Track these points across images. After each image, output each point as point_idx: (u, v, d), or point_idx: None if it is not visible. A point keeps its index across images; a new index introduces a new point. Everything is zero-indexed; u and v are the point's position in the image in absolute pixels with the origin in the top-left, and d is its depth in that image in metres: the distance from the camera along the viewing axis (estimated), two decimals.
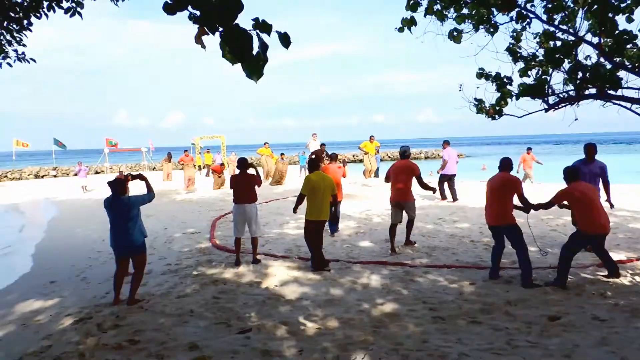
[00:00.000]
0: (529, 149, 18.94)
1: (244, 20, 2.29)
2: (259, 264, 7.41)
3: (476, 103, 5.56)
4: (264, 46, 2.37)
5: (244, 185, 7.48)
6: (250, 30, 2.32)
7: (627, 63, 4.74)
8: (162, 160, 26.52)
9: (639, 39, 4.48)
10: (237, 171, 7.70)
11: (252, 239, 7.61)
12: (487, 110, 5.44)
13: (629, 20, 4.70)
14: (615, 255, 7.27)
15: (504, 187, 6.19)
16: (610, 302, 5.35)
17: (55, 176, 35.97)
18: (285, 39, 2.42)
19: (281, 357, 4.24)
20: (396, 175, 8.19)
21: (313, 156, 8.44)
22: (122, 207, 5.78)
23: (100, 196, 19.10)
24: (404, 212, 8.24)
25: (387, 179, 8.52)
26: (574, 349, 4.20)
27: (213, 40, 2.40)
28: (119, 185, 5.82)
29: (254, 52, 2.35)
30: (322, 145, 16.61)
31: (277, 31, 2.38)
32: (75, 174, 22.06)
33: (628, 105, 4.59)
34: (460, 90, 5.55)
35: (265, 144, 23.34)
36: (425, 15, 5.40)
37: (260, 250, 8.22)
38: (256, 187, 7.64)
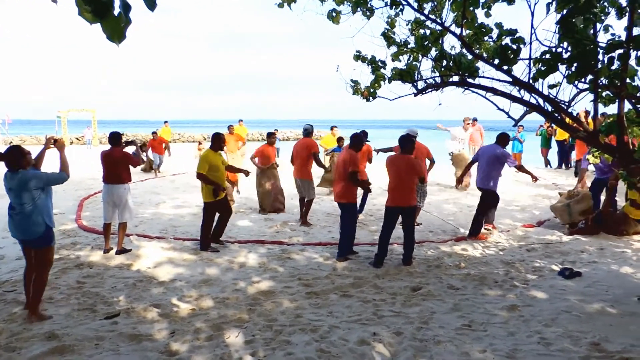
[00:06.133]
0: (475, 119, 15.10)
1: None
2: (128, 252, 6.72)
3: (352, 84, 5.75)
4: (125, 6, 2.20)
5: (115, 163, 6.67)
6: None
7: (484, 55, 5.19)
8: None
9: (493, 32, 4.94)
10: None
11: (119, 224, 6.75)
12: (362, 91, 5.65)
13: (487, 15, 5.15)
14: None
15: (344, 168, 6.50)
16: (464, 272, 5.94)
17: None
18: (150, 1, 2.26)
19: (151, 340, 4.08)
20: (296, 153, 8.69)
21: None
22: (19, 183, 4.49)
23: None
24: None
25: (291, 159, 9.01)
26: (431, 316, 4.61)
27: None
28: (13, 155, 4.51)
29: (115, 13, 2.18)
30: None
31: None
32: None
33: (483, 93, 5.05)
34: (337, 71, 5.70)
35: (239, 121, 17.75)
36: None
37: (133, 231, 7.78)
38: (131, 166, 6.83)
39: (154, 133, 17.70)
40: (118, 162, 6.69)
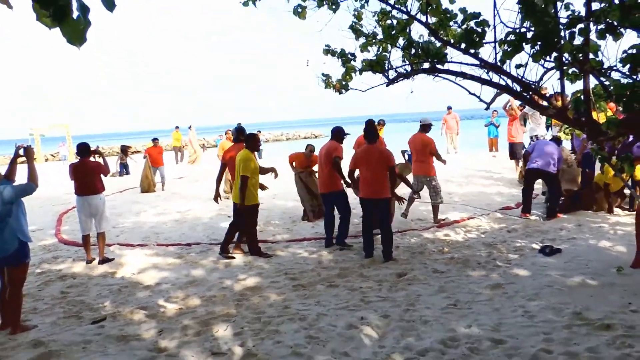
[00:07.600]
0: (449, 108, 17.54)
1: None
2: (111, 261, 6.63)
3: (324, 78, 5.81)
4: (83, 8, 2.18)
5: (86, 174, 6.58)
6: None
7: (451, 40, 5.29)
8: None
9: (458, 17, 5.04)
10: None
11: (98, 235, 6.67)
12: (334, 85, 5.72)
13: (451, 1, 5.25)
14: (451, 216, 8.20)
15: (327, 156, 6.84)
16: (448, 256, 6.04)
17: None
18: (108, 2, 2.25)
19: (139, 340, 4.06)
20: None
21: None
22: None
23: None
24: None
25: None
26: (417, 298, 4.68)
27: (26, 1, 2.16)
28: None
29: (74, 16, 2.17)
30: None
31: None
32: None
33: (453, 78, 5.15)
34: (307, 65, 5.76)
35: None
36: None
37: (114, 241, 7.72)
38: (102, 175, 6.74)
39: (154, 140, 14.84)
40: (91, 173, 6.62)
